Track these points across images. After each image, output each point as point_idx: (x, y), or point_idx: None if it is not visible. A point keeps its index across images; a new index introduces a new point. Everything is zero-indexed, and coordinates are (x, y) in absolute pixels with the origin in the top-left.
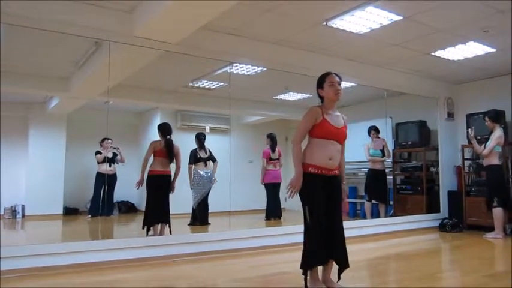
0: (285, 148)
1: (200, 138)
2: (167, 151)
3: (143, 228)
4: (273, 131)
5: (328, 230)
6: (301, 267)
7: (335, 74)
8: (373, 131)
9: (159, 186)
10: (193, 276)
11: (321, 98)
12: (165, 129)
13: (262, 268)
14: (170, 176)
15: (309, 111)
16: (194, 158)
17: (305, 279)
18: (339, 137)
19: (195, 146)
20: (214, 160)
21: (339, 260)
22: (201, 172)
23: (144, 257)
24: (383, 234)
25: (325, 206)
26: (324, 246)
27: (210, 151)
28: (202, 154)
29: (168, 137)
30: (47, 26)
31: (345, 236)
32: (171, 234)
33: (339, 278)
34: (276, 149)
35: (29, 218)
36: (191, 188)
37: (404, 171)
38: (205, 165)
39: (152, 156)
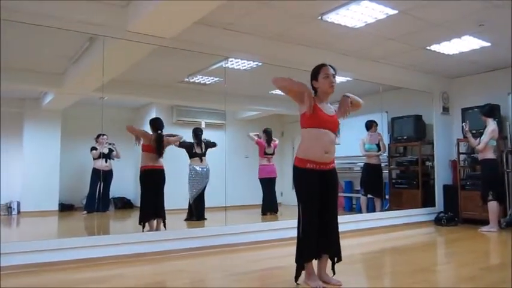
0: (280, 142)
1: (197, 133)
2: (156, 146)
3: (140, 223)
4: (268, 126)
5: (322, 224)
6: (295, 261)
7: (330, 66)
8: (375, 124)
9: (151, 181)
10: (190, 271)
11: (315, 90)
12: (156, 124)
13: (259, 263)
14: (162, 170)
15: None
16: (189, 153)
17: (296, 273)
18: (332, 125)
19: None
20: (214, 145)
21: (332, 254)
22: (197, 168)
23: (141, 252)
24: (379, 228)
25: (320, 201)
26: (317, 241)
27: (206, 144)
28: (198, 150)
29: (159, 131)
30: (41, 20)
31: (341, 230)
32: (165, 229)
33: (333, 272)
34: (272, 144)
35: (25, 215)
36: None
37: (400, 166)
38: (201, 160)
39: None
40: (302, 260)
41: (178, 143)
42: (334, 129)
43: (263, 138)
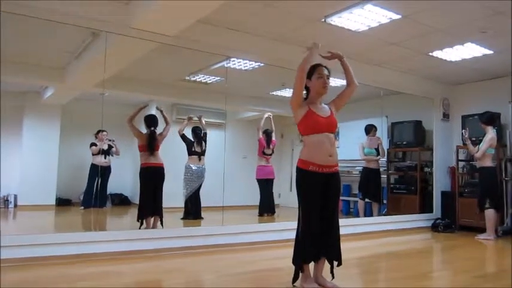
0: (279, 144)
1: (197, 132)
2: (148, 144)
3: (138, 220)
4: (268, 127)
5: (322, 228)
6: (292, 263)
7: (325, 66)
8: (374, 128)
9: (149, 178)
10: (185, 270)
11: (307, 89)
12: (148, 121)
13: (254, 264)
14: (161, 168)
15: None
16: (189, 150)
17: (294, 275)
18: (330, 126)
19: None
20: (205, 136)
21: (332, 258)
22: (193, 167)
23: (137, 249)
24: (376, 233)
25: (321, 203)
26: (316, 244)
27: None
28: (197, 149)
29: (152, 129)
30: (44, 14)
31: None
32: (162, 227)
33: (332, 276)
34: (271, 145)
35: (22, 208)
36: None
37: (399, 171)
38: (199, 159)
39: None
40: (300, 261)
41: (182, 132)
42: (333, 130)
43: (263, 138)
